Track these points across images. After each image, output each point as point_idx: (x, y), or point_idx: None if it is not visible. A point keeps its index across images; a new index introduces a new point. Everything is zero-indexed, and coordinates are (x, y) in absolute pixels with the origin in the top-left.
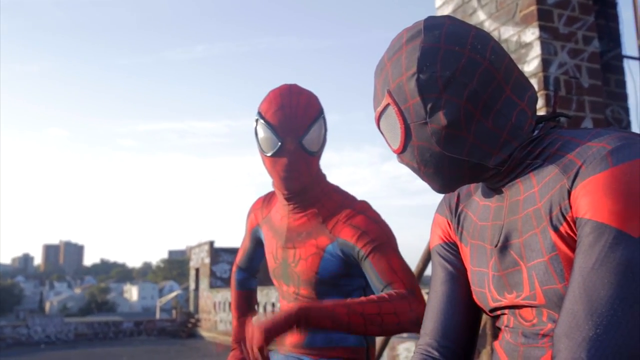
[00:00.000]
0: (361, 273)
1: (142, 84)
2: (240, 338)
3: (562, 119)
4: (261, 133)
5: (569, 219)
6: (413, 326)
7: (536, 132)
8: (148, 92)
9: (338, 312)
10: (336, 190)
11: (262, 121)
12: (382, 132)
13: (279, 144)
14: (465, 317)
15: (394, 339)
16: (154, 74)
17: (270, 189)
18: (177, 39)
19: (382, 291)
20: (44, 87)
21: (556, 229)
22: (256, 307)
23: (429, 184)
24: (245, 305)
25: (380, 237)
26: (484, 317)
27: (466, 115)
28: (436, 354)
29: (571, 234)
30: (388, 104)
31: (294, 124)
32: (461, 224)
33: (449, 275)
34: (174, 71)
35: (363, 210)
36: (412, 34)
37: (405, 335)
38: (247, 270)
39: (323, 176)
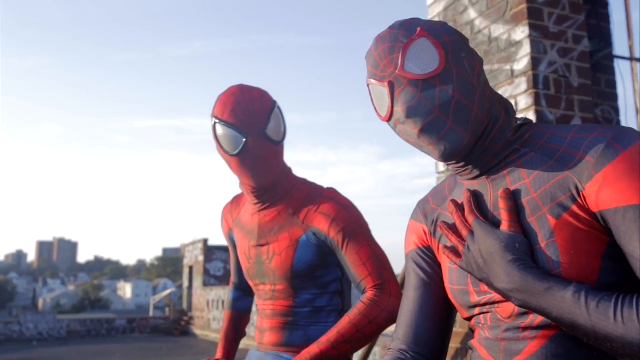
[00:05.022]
0: (337, 262)
1: (139, 81)
2: (224, 355)
3: (551, 118)
4: (222, 134)
5: (574, 208)
6: (389, 323)
7: (519, 121)
8: (145, 88)
9: (326, 351)
10: (304, 182)
11: (220, 123)
12: (405, 56)
13: (244, 140)
14: (436, 323)
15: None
16: (150, 70)
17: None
18: (175, 35)
19: (358, 287)
20: (39, 83)
21: (558, 216)
22: (245, 330)
23: (438, 138)
24: (232, 327)
25: (349, 224)
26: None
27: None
28: (408, 356)
29: (574, 222)
30: (423, 36)
31: (254, 117)
32: (438, 226)
33: (421, 282)
34: (171, 68)
35: (332, 196)
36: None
37: None
38: (240, 287)
39: (289, 169)
